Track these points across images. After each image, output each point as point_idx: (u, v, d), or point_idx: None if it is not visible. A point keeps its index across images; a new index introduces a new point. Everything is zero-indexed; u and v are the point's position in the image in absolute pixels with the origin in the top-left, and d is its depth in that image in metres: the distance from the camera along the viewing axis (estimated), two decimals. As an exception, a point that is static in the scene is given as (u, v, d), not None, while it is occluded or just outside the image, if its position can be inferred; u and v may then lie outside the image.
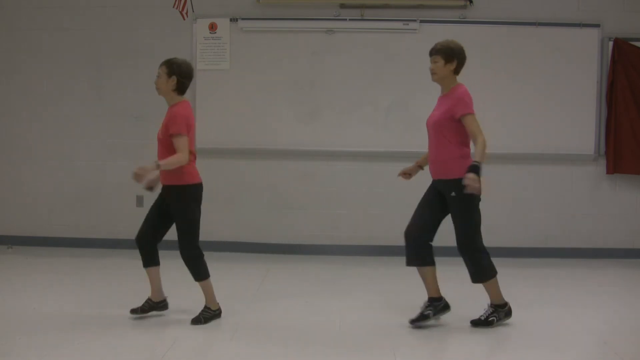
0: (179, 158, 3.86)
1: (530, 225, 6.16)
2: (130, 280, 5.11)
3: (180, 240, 4.06)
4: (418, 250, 4.08)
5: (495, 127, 6.06)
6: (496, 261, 6.05)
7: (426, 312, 4.03)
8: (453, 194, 3.91)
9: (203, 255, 4.14)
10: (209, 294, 4.09)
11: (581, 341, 3.87)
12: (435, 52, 4.03)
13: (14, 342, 3.66)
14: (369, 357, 3.59)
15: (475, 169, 3.73)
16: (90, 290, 4.83)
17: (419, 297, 4.14)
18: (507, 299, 4.10)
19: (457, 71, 4.03)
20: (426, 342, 3.82)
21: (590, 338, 3.92)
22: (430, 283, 4.06)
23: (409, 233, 4.12)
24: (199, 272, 4.08)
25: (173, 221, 4.11)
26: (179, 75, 3.96)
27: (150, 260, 4.17)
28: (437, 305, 4.05)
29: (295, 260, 5.96)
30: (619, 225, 6.15)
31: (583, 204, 6.16)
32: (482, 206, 6.06)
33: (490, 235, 6.16)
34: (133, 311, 4.11)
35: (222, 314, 4.14)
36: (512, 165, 6.14)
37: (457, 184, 3.80)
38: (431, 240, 4.07)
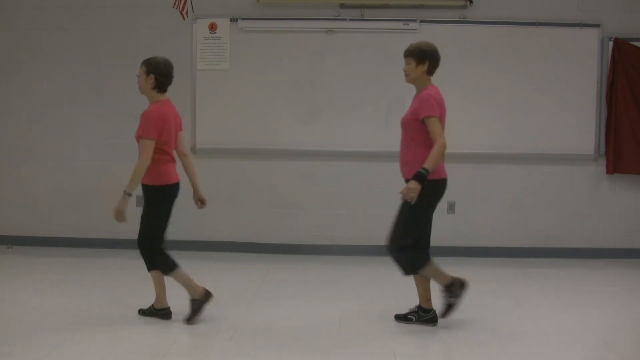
0: (138, 168, 3.85)
1: (530, 225, 6.17)
2: (130, 280, 5.12)
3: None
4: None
5: (495, 127, 6.09)
6: (496, 261, 6.10)
7: (409, 316, 4.10)
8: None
9: (163, 247, 4.14)
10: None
11: (581, 341, 3.87)
12: (407, 53, 4.04)
13: (14, 342, 3.66)
14: (369, 357, 3.59)
15: (419, 176, 3.73)
16: (90, 290, 4.83)
17: (418, 297, 4.14)
18: (507, 298, 4.10)
19: (430, 72, 4.02)
20: (426, 342, 3.82)
21: (590, 338, 3.92)
22: (420, 291, 4.10)
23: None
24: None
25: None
26: (157, 73, 4.00)
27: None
28: (422, 315, 4.08)
29: (295, 260, 5.96)
30: (619, 225, 6.15)
31: (583, 204, 6.16)
32: (483, 206, 6.13)
33: (490, 235, 6.23)
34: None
35: (223, 314, 4.14)
36: (512, 165, 6.14)
37: (428, 184, 3.83)
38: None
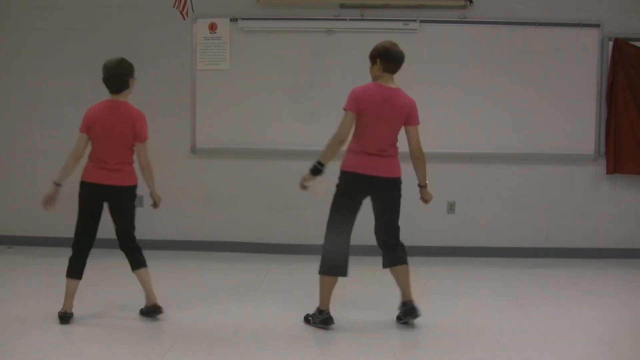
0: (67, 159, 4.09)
1: (530, 225, 6.16)
2: (130, 280, 5.11)
3: None
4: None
5: (495, 127, 6.08)
6: (496, 261, 6.09)
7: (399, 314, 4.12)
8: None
9: (76, 250, 4.16)
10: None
11: (581, 341, 3.87)
12: (369, 56, 4.22)
13: (14, 342, 3.66)
14: (369, 357, 3.59)
15: (313, 169, 4.05)
16: (90, 290, 4.82)
17: (417, 297, 4.14)
18: (507, 298, 4.10)
19: (388, 70, 4.13)
20: (426, 342, 3.82)
21: (590, 338, 3.92)
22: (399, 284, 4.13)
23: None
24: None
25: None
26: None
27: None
28: (403, 309, 4.08)
29: (295, 260, 5.95)
30: (619, 225, 6.15)
31: (583, 204, 6.16)
32: (483, 206, 6.12)
33: (491, 235, 6.23)
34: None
35: (223, 314, 4.14)
36: (512, 165, 6.14)
37: (340, 174, 4.05)
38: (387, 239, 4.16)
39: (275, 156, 6.19)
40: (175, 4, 5.59)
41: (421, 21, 6.01)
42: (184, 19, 5.74)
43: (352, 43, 6.07)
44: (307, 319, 4.10)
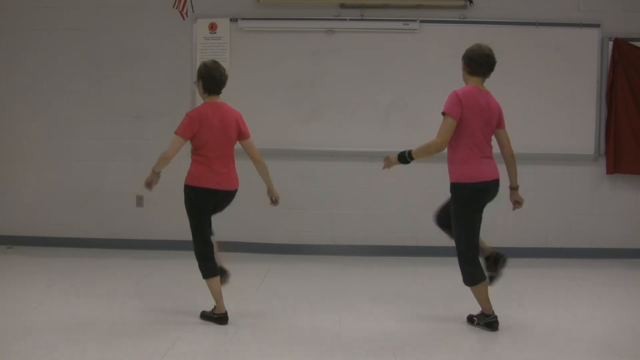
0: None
1: (530, 225, 6.16)
2: (130, 280, 5.12)
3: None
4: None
5: (495, 127, 6.08)
6: (496, 261, 6.04)
7: (474, 317, 4.10)
8: (450, 195, 3.98)
9: (207, 255, 4.07)
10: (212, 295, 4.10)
11: (581, 341, 3.87)
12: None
13: (14, 342, 3.66)
14: (369, 357, 3.59)
15: (400, 156, 3.96)
16: (89, 290, 4.83)
17: (418, 297, 4.14)
18: (507, 299, 4.10)
19: (473, 72, 4.13)
20: (426, 343, 3.82)
21: (590, 338, 3.92)
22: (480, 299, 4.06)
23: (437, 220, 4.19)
24: (201, 271, 4.08)
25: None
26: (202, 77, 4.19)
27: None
28: (483, 318, 4.05)
29: (295, 260, 5.96)
30: (619, 225, 6.15)
31: (583, 204, 6.16)
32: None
33: (491, 235, 6.17)
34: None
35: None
36: (512, 165, 6.13)
37: (452, 187, 3.92)
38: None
39: (275, 156, 6.17)
40: (175, 4, 5.60)
41: (421, 21, 6.01)
42: (184, 19, 5.75)
43: (352, 43, 6.08)
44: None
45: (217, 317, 4.06)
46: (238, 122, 4.19)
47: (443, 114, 3.89)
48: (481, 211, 3.97)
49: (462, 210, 3.93)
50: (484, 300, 3.99)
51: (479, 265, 3.98)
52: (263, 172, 4.27)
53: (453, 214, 3.96)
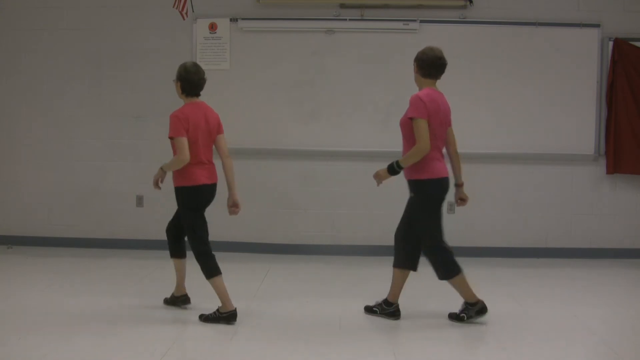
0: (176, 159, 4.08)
1: (530, 225, 6.16)
2: (130, 280, 5.12)
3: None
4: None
5: (495, 127, 6.09)
6: (496, 261, 6.09)
7: (461, 315, 4.10)
8: (411, 194, 4.09)
9: (207, 255, 4.09)
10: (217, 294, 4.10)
11: (581, 341, 3.87)
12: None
13: (13, 342, 3.66)
14: (369, 357, 3.59)
15: (390, 168, 4.03)
16: (89, 290, 4.83)
17: (418, 297, 4.14)
18: (507, 298, 4.10)
19: (425, 75, 4.13)
20: (426, 342, 3.82)
21: (590, 338, 3.92)
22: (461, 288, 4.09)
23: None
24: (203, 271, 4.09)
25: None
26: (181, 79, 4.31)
27: (174, 251, 4.29)
28: (470, 309, 4.08)
29: (295, 260, 5.96)
30: (619, 225, 6.15)
31: (583, 204, 6.16)
32: (483, 206, 6.12)
33: (491, 235, 6.23)
34: (164, 301, 4.39)
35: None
36: (512, 165, 6.14)
37: (414, 185, 4.03)
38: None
39: (275, 156, 6.19)
40: (175, 4, 5.60)
41: (421, 21, 6.01)
42: (184, 19, 5.75)
43: (352, 43, 6.08)
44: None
45: (227, 315, 4.04)
46: (218, 120, 4.28)
47: (411, 119, 3.98)
48: (442, 206, 4.09)
49: (429, 205, 4.04)
50: (466, 289, 4.04)
51: (450, 256, 4.05)
52: (229, 172, 4.26)
53: (417, 213, 4.07)
